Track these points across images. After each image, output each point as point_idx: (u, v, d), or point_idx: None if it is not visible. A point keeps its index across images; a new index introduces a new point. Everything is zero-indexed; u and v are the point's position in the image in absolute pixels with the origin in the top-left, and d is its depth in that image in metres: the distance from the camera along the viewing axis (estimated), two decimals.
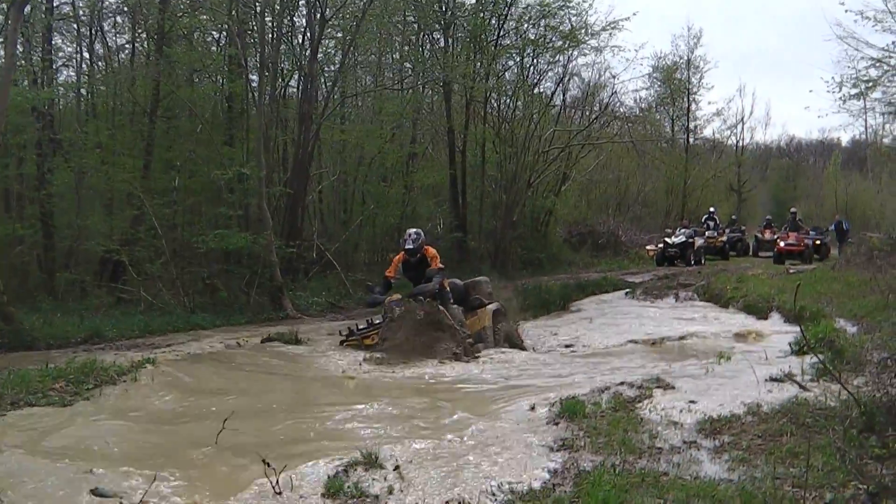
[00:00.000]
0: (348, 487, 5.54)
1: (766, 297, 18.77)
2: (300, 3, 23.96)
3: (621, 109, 38.41)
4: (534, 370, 11.15)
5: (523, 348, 13.91)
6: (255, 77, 22.09)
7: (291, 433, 7.39)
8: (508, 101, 32.65)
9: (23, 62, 19.33)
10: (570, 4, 29.77)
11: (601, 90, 37.99)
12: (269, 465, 5.51)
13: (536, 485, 5.61)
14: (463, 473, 5.93)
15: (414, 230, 13.02)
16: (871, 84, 26.18)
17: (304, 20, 24.05)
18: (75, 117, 22.78)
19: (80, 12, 22.69)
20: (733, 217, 45.09)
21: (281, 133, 23.63)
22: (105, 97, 23.44)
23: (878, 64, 24.96)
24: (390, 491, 5.53)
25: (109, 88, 23.30)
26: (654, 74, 46.31)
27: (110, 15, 23.83)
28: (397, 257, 13.09)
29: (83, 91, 23.47)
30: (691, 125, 52.83)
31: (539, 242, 32.93)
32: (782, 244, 34.73)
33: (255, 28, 21.80)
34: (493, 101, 32.32)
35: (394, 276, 13.04)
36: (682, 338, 14.52)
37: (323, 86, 25.15)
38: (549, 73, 34.16)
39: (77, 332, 14.61)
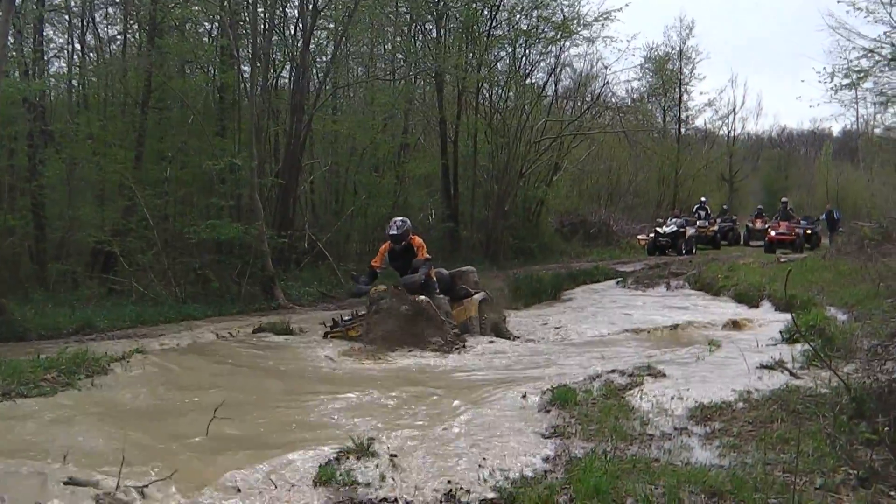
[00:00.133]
0: (340, 475, 5.52)
1: (757, 285, 18.84)
2: None
3: (613, 100, 38.52)
4: (524, 359, 11.15)
5: (510, 338, 13.85)
6: (247, 68, 22.09)
7: (281, 423, 7.38)
8: (500, 91, 32.73)
9: (14, 53, 19.24)
10: None
11: (593, 81, 38.01)
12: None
13: (528, 472, 5.62)
14: (455, 461, 5.93)
15: (400, 218, 12.89)
16: (862, 74, 26.25)
17: (296, 11, 24.04)
18: (67, 108, 22.65)
19: (72, 3, 22.59)
20: (724, 207, 45.18)
21: (273, 124, 23.60)
22: (97, 88, 23.35)
23: (869, 54, 25.00)
24: (382, 479, 5.53)
25: (101, 79, 23.22)
26: (646, 65, 46.53)
27: (102, 6, 23.78)
28: (383, 247, 12.97)
29: (75, 82, 23.36)
30: (683, 115, 52.99)
31: (531, 232, 32.97)
32: (773, 233, 34.84)
33: (248, 19, 21.78)
34: (485, 91, 32.36)
35: (380, 266, 12.95)
36: (673, 326, 14.55)
37: (315, 76, 25.14)
38: (542, 64, 34.24)
39: (69, 323, 14.59)
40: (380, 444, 6.18)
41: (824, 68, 36.98)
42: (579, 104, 36.76)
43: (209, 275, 18.94)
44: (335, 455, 5.91)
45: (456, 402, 7.93)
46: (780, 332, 11.34)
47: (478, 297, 13.76)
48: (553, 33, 31.24)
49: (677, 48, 50.26)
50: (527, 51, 32.20)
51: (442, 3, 29.09)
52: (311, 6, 21.87)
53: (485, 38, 30.16)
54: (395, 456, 5.91)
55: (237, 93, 22.04)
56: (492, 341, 12.78)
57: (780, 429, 6.32)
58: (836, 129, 76.97)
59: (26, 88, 18.87)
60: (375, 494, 5.31)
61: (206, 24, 24.15)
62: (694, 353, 10.54)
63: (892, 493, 4.90)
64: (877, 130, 47.08)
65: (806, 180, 60.57)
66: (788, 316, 11.47)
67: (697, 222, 38.30)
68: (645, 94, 47.52)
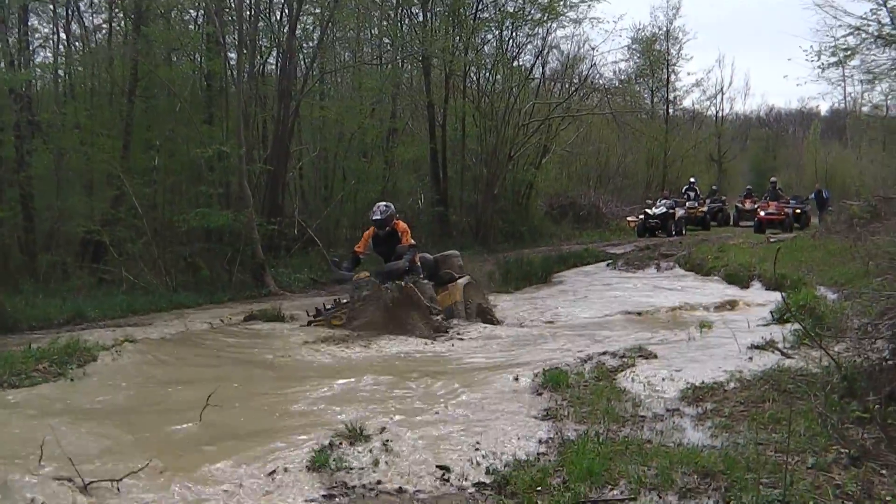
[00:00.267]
0: (333, 461, 5.54)
1: (747, 266, 18.92)
2: None
3: (601, 81, 38.36)
4: (514, 343, 11.13)
5: (496, 321, 13.76)
6: (233, 55, 22.00)
7: (272, 411, 7.34)
8: (488, 74, 32.68)
9: None
10: None
11: (580, 62, 37.95)
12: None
13: (521, 454, 5.64)
14: (447, 444, 5.95)
15: (383, 203, 12.75)
16: (849, 52, 26.19)
17: None
18: (53, 98, 22.57)
19: None
20: (714, 187, 45.26)
21: (260, 110, 23.54)
22: (83, 78, 23.26)
23: (856, 32, 24.93)
24: (376, 463, 5.54)
25: (87, 69, 23.11)
26: (634, 46, 46.35)
27: None
28: (367, 232, 12.80)
29: (61, 72, 23.23)
30: (671, 96, 52.93)
31: (520, 215, 32.96)
32: (763, 213, 34.92)
33: (233, 5, 21.70)
34: (472, 75, 32.32)
35: (363, 252, 12.76)
36: (663, 308, 14.58)
37: (302, 62, 25.05)
38: (528, 46, 34.25)
39: (59, 314, 14.54)
40: (373, 429, 6.19)
41: (811, 46, 36.86)
42: (567, 86, 36.74)
43: (199, 263, 18.93)
44: (328, 441, 5.93)
45: (447, 387, 7.92)
46: (771, 312, 11.38)
47: (462, 281, 13.60)
48: (539, 15, 31.22)
49: (664, 29, 50.21)
50: (513, 33, 32.19)
51: None
52: None
53: (471, 21, 30.13)
54: (388, 441, 5.92)
55: (224, 80, 21.97)
56: (485, 327, 12.76)
57: (771, 408, 6.34)
58: (824, 108, 77.30)
59: (12, 79, 18.78)
60: (369, 479, 5.33)
61: (191, 11, 24.04)
62: (685, 334, 10.57)
63: (884, 471, 4.92)
64: (864, 109, 47.00)
65: (794, 160, 60.57)
66: (779, 296, 11.48)
67: (687, 203, 38.37)
68: (632, 75, 47.38)
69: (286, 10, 23.19)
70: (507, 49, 32.37)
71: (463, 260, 14.52)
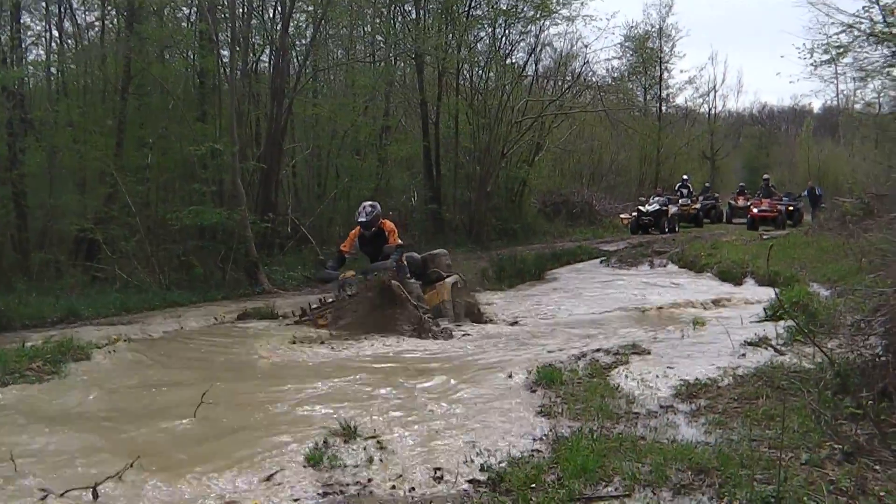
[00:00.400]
0: (328, 459, 5.55)
1: (740, 263, 18.97)
2: None
3: (594, 79, 38.33)
4: (508, 340, 11.10)
5: (484, 320, 13.66)
6: (226, 52, 21.97)
7: (267, 409, 7.33)
8: (481, 72, 32.65)
9: None
10: None
11: (573, 60, 37.96)
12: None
13: (516, 452, 5.64)
14: (441, 442, 5.96)
15: (369, 203, 12.60)
16: (841, 50, 26.17)
17: None
18: (46, 96, 22.50)
19: None
20: (707, 184, 45.36)
21: (253, 108, 23.49)
22: (76, 75, 23.21)
23: (848, 29, 24.91)
24: (370, 461, 5.55)
25: (80, 66, 23.08)
26: (626, 43, 46.45)
27: None
28: (354, 231, 12.63)
29: (53, 70, 23.18)
30: (664, 94, 53.12)
31: (514, 213, 32.95)
32: (756, 210, 35.00)
33: (226, 3, 21.65)
34: (465, 72, 32.31)
35: (349, 251, 12.60)
36: (657, 305, 14.59)
37: (295, 60, 25.02)
38: (522, 44, 34.24)
39: (53, 312, 14.50)
40: (366, 427, 6.20)
41: (804, 44, 37.03)
42: (560, 84, 36.74)
43: (193, 261, 18.89)
44: (322, 439, 5.93)
45: (440, 385, 7.93)
46: (764, 309, 11.42)
47: (450, 280, 13.45)
48: (532, 12, 31.21)
49: (657, 26, 50.34)
50: (506, 31, 32.23)
51: None
52: None
53: (464, 19, 30.14)
54: (382, 439, 5.93)
55: (217, 77, 21.95)
56: (477, 325, 12.75)
57: (765, 405, 6.37)
58: (817, 106, 77.33)
59: (5, 76, 18.75)
60: (363, 476, 5.32)
61: (184, 8, 23.99)
62: (678, 331, 10.60)
63: (877, 467, 4.94)
64: (857, 106, 47.12)
65: (787, 157, 60.74)
66: (772, 293, 11.49)
67: (680, 200, 38.42)
68: (625, 72, 47.45)
69: (279, 8, 23.15)
70: (500, 46, 32.40)
71: (457, 257, 14.51)
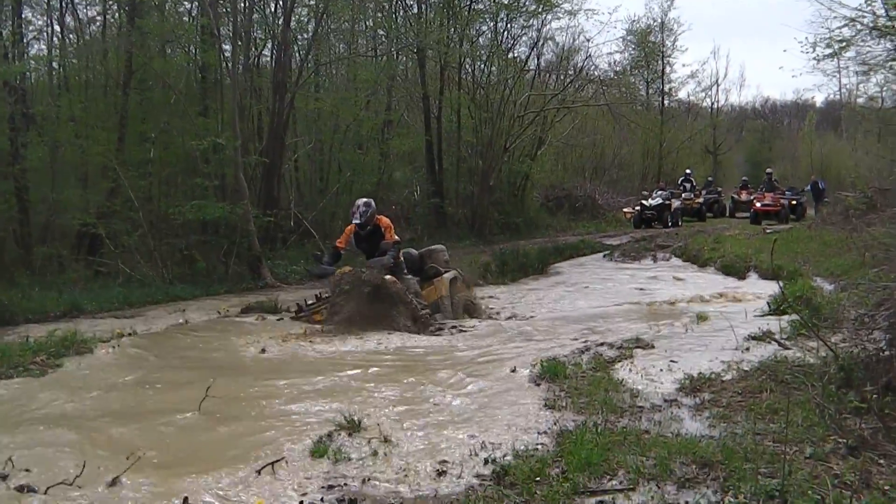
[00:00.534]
0: (332, 452, 5.54)
1: (743, 257, 18.96)
2: None
3: (596, 73, 38.43)
4: (511, 334, 11.04)
5: (482, 316, 13.62)
6: (228, 47, 21.97)
7: (269, 404, 7.33)
8: (483, 66, 32.63)
9: None
10: None
11: (575, 54, 38.02)
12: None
13: (520, 445, 5.63)
14: (445, 435, 5.95)
15: (363, 201, 12.27)
16: (844, 44, 26.09)
17: None
18: (48, 91, 22.53)
19: None
20: (709, 179, 45.37)
21: (255, 102, 23.49)
22: (77, 70, 23.22)
23: (851, 23, 24.83)
24: (374, 454, 5.55)
25: (82, 61, 23.10)
26: (629, 37, 46.56)
27: None
28: (349, 227, 12.36)
29: (55, 64, 23.21)
30: (666, 88, 53.17)
31: (516, 207, 32.96)
32: (759, 205, 35.01)
33: None
34: (467, 66, 32.29)
35: (344, 248, 12.44)
36: (660, 299, 14.58)
37: (296, 54, 24.98)
38: (524, 38, 34.26)
39: (56, 306, 14.51)
40: (370, 421, 6.19)
41: (806, 38, 36.87)
42: (562, 78, 36.78)
43: (195, 255, 18.92)
44: (327, 433, 5.93)
45: (444, 379, 7.90)
46: (768, 303, 11.38)
47: (448, 276, 13.36)
48: (534, 6, 31.26)
49: (659, 20, 50.41)
50: (508, 25, 32.24)
51: None
52: None
53: (466, 13, 30.14)
54: (386, 432, 5.92)
55: (219, 72, 21.96)
56: (479, 319, 12.75)
57: (769, 399, 6.35)
58: (819, 100, 77.29)
59: (6, 71, 18.74)
60: (368, 470, 5.31)
61: (185, 3, 24.04)
62: (682, 324, 10.58)
63: (882, 460, 4.93)
64: (859, 100, 47.04)
65: (790, 151, 60.67)
66: (775, 287, 11.47)
67: (683, 195, 38.49)
68: (627, 66, 47.55)
69: (281, 2, 23.18)
70: (502, 41, 32.45)
71: (459, 252, 14.50)
